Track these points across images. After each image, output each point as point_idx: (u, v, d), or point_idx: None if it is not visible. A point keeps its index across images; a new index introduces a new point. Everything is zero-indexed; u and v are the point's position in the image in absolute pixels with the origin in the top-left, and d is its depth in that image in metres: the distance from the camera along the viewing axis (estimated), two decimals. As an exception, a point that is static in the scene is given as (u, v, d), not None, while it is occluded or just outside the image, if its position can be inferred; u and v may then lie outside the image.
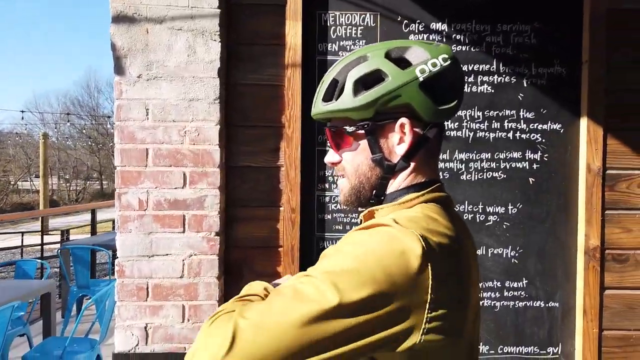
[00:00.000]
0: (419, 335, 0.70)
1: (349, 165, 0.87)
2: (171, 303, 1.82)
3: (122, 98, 1.84)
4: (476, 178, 2.01)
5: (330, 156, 0.90)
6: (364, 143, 0.85)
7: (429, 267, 0.70)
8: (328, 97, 0.86)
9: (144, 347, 1.81)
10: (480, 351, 2.00)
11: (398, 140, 0.83)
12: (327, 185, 2.01)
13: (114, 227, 9.40)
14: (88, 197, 30.17)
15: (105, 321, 3.57)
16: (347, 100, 0.83)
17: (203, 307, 1.82)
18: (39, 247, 7.88)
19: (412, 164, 0.85)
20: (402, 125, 0.82)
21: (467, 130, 2.00)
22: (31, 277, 4.54)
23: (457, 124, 2.00)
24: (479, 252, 2.00)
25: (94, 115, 33.39)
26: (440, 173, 1.96)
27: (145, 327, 1.81)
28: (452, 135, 2.00)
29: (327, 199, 2.01)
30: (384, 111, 0.82)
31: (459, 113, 2.00)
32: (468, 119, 2.00)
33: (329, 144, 0.90)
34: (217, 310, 0.75)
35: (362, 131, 0.84)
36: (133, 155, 1.83)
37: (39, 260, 5.13)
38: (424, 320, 0.70)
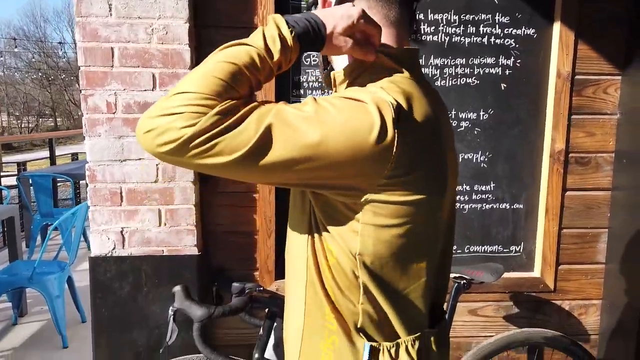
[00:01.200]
0: (372, 192, 0.75)
1: None
2: (147, 207, 1.80)
3: (82, -9, 1.70)
4: (450, 84, 2.02)
5: None
6: None
7: (396, 135, 0.73)
8: None
9: (120, 250, 1.80)
10: (449, 251, 2.10)
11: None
12: (301, 92, 1.98)
13: (72, 160, 9.09)
14: (42, 134, 28.77)
15: (73, 247, 3.52)
16: None
17: (180, 211, 1.81)
18: (-6, 179, 7.54)
19: None
20: None
21: (443, 35, 1.98)
22: (-10, 204, 4.38)
23: (433, 28, 1.97)
24: (450, 157, 2.04)
25: (42, 43, 31.12)
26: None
27: (121, 232, 1.80)
28: (428, 40, 1.98)
29: (302, 105, 1.98)
30: None
31: (435, 17, 1.97)
32: (444, 23, 1.97)
33: None
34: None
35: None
36: (97, 54, 1.73)
37: (-2, 188, 4.93)
38: (377, 184, 0.74)
